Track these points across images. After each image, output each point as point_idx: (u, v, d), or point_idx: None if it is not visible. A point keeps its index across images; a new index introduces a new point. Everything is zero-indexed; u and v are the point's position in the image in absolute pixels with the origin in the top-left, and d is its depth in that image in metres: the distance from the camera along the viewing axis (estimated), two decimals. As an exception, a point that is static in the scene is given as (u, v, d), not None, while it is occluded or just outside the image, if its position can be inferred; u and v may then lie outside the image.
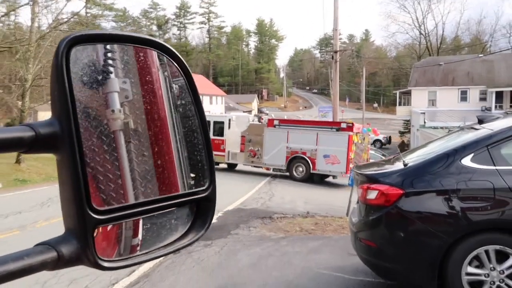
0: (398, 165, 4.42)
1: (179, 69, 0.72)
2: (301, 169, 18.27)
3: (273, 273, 5.59)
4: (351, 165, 17.15)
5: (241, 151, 19.43)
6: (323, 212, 10.89)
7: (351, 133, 17.32)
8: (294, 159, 18.35)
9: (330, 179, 18.96)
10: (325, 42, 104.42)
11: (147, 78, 0.69)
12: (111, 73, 0.64)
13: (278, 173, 19.10)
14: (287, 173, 18.54)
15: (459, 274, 3.86)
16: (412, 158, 4.63)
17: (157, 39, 0.70)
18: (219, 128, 19.68)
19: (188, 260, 6.15)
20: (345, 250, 6.35)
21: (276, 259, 6.28)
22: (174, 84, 0.72)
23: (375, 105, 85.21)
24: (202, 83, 63.98)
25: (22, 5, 24.05)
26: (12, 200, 12.04)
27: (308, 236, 8.07)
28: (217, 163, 19.79)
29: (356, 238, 4.56)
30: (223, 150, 19.53)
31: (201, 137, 0.74)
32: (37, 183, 15.22)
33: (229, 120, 20.09)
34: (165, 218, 0.70)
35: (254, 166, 19.78)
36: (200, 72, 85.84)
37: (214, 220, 9.53)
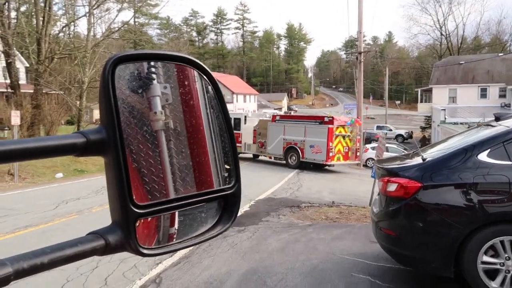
0: (417, 160, 4.32)
1: (208, 80, 0.74)
2: (294, 157, 19.26)
3: (300, 257, 5.59)
4: (331, 154, 17.80)
5: (253, 142, 21.06)
6: (348, 202, 10.76)
7: (331, 126, 17.84)
8: (289, 149, 19.42)
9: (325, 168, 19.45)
10: (350, 44, 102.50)
11: (185, 86, 0.70)
12: (154, 79, 0.66)
13: (278, 160, 20.08)
14: (284, 161, 19.57)
15: (475, 263, 3.74)
16: (431, 153, 4.51)
17: (188, 55, 0.71)
18: (237, 124, 21.34)
19: (223, 243, 6.25)
20: (367, 237, 6.27)
21: (302, 245, 6.28)
22: (206, 93, 0.74)
23: (398, 102, 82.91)
24: (236, 83, 64.21)
25: (80, 17, 25.04)
26: (72, 188, 12.48)
27: (332, 224, 8.01)
28: None
29: (377, 227, 4.50)
30: (240, 142, 21.14)
31: (228, 140, 0.76)
32: (93, 173, 15.74)
33: (245, 116, 21.92)
34: (196, 211, 0.72)
35: (262, 155, 21.20)
36: (235, 73, 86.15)
37: (247, 208, 9.60)
